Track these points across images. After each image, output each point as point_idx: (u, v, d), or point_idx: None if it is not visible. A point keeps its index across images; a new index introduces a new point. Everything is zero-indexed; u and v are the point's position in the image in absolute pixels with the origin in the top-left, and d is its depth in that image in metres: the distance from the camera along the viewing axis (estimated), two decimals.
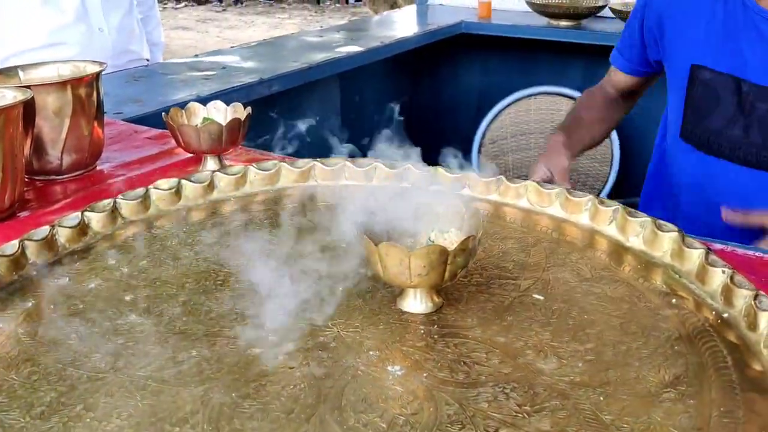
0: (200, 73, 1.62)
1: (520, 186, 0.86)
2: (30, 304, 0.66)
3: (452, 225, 0.66)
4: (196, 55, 1.82)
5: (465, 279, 0.68)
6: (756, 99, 1.06)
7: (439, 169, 0.90)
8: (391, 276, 0.60)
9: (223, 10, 12.58)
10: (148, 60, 2.01)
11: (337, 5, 13.21)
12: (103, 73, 1.54)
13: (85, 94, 0.95)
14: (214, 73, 1.61)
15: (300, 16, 12.17)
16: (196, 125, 0.96)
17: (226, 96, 1.44)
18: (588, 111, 1.34)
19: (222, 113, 1.03)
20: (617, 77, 1.34)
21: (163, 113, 0.97)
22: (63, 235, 0.77)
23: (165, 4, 12.89)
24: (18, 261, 0.71)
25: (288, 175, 0.93)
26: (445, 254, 0.59)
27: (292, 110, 1.73)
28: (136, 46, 1.93)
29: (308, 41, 2.04)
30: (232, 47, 1.93)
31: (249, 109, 1.01)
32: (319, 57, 1.78)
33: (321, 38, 2.08)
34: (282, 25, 10.99)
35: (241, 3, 13.23)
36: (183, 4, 12.94)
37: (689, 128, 1.16)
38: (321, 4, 13.39)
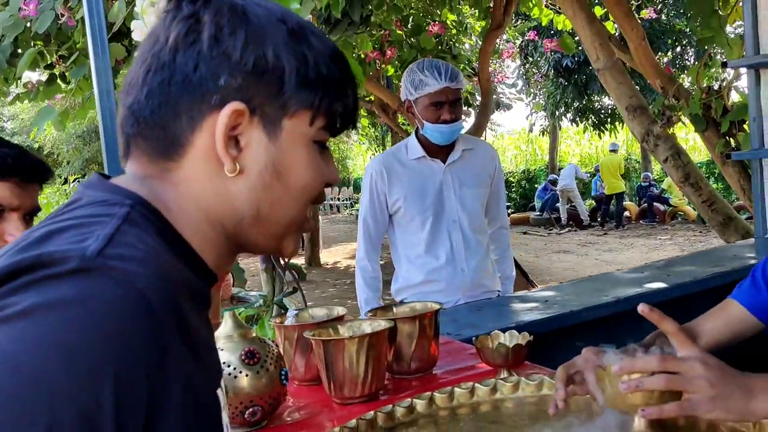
0: (527, 305, 2.09)
1: None
2: None
3: None
4: (530, 288, 2.31)
5: None
6: None
7: None
8: None
9: (604, 233, 13.22)
10: (499, 291, 2.56)
11: None
12: (458, 303, 2.13)
13: (428, 324, 1.49)
14: (536, 305, 2.07)
15: (683, 236, 12.13)
16: (492, 348, 1.41)
17: (541, 323, 1.87)
18: None
19: (515, 339, 1.46)
20: None
21: (473, 337, 1.45)
22: (399, 412, 1.26)
23: (550, 229, 14.09)
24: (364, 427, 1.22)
25: (550, 385, 1.30)
26: None
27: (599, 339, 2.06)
28: (488, 281, 2.50)
29: (628, 277, 2.38)
30: (560, 283, 2.37)
31: (531, 336, 1.43)
32: (630, 292, 2.12)
33: (641, 274, 2.41)
34: (662, 247, 11.10)
35: (623, 226, 13.75)
36: (566, 230, 14.00)
37: None
38: (706, 224, 13.14)
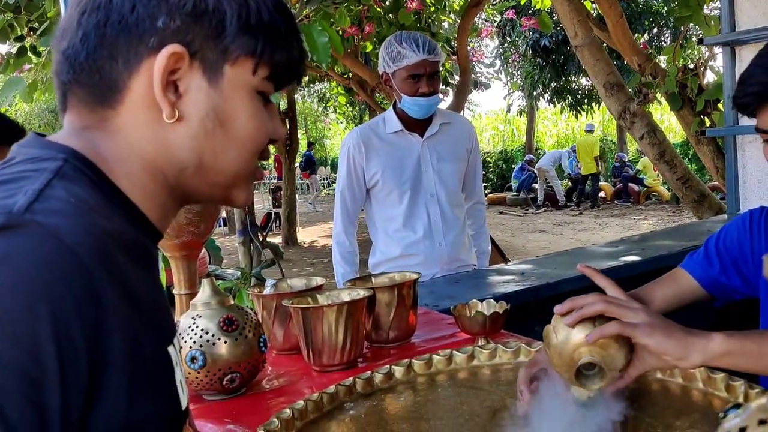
0: (504, 277, 2.11)
1: None
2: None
3: None
4: (505, 263, 2.33)
5: None
6: None
7: None
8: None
9: (579, 213, 13.34)
10: (475, 265, 2.58)
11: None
12: (437, 275, 2.13)
13: (406, 293, 1.49)
14: (512, 277, 2.09)
15: (657, 216, 12.29)
16: (470, 316, 1.42)
17: (518, 294, 1.89)
18: None
19: (493, 307, 1.48)
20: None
21: (451, 307, 1.46)
22: (377, 378, 1.27)
23: (526, 209, 14.19)
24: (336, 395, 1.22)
25: (526, 352, 1.32)
26: None
27: None
28: (465, 255, 2.51)
29: (603, 251, 2.41)
30: (537, 257, 2.40)
31: (508, 305, 1.44)
32: (606, 264, 2.14)
33: (616, 248, 2.44)
34: (636, 226, 11.23)
35: (598, 206, 13.88)
36: (542, 209, 14.10)
37: None
38: (680, 204, 13.32)
